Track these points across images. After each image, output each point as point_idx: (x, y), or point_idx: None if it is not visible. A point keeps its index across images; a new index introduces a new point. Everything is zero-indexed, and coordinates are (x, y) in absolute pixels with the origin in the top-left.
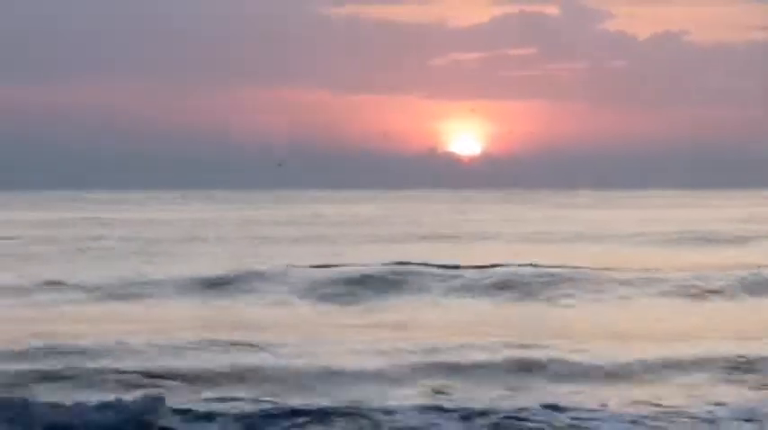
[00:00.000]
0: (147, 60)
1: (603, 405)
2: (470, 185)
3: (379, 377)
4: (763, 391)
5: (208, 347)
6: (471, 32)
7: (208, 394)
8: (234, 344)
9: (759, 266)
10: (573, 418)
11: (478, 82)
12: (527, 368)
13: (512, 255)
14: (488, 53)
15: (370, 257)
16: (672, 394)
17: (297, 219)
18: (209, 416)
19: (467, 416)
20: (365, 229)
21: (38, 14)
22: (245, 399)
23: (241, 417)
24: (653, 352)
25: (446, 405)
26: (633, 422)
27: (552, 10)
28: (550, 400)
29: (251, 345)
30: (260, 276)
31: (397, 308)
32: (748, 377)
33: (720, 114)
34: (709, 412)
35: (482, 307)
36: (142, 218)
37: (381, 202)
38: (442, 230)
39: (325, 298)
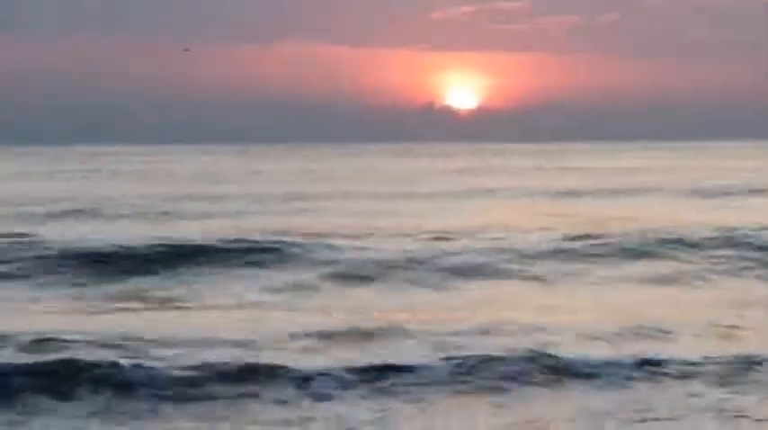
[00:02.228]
0: (142, 17)
1: None
2: (470, 139)
3: None
4: None
5: None
6: None
7: None
8: None
9: None
10: None
11: (473, 35)
12: None
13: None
14: (483, 5)
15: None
16: None
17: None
18: None
19: None
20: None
21: None
22: None
23: None
24: None
25: None
26: None
27: None
28: None
29: None
30: None
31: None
32: None
33: (713, 65)
34: None
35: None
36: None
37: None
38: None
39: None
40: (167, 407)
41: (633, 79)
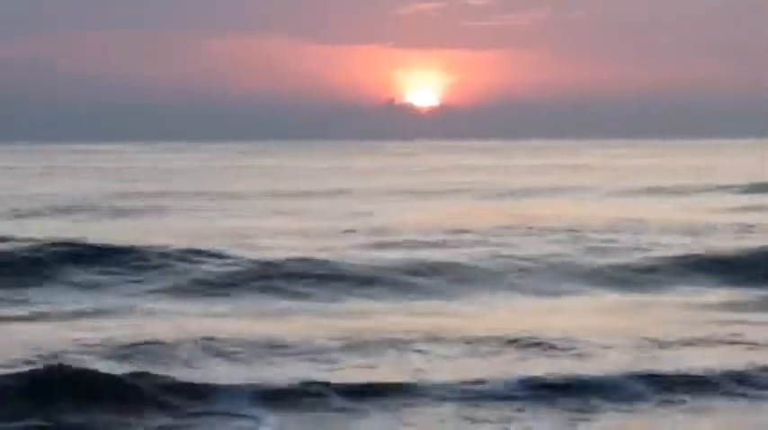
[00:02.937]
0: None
1: None
2: (428, 136)
3: None
4: None
5: None
6: None
7: None
8: None
9: None
10: None
11: (439, 32)
12: None
13: None
14: (453, 2)
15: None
16: None
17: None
18: None
19: None
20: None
21: None
22: None
23: None
24: None
25: None
26: None
27: None
28: None
29: None
30: None
31: None
32: None
33: (679, 63)
34: None
35: None
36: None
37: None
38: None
39: None
40: None
41: (597, 76)
